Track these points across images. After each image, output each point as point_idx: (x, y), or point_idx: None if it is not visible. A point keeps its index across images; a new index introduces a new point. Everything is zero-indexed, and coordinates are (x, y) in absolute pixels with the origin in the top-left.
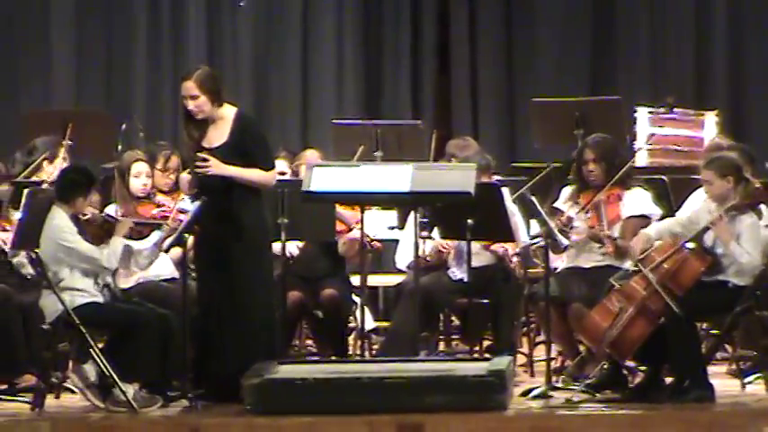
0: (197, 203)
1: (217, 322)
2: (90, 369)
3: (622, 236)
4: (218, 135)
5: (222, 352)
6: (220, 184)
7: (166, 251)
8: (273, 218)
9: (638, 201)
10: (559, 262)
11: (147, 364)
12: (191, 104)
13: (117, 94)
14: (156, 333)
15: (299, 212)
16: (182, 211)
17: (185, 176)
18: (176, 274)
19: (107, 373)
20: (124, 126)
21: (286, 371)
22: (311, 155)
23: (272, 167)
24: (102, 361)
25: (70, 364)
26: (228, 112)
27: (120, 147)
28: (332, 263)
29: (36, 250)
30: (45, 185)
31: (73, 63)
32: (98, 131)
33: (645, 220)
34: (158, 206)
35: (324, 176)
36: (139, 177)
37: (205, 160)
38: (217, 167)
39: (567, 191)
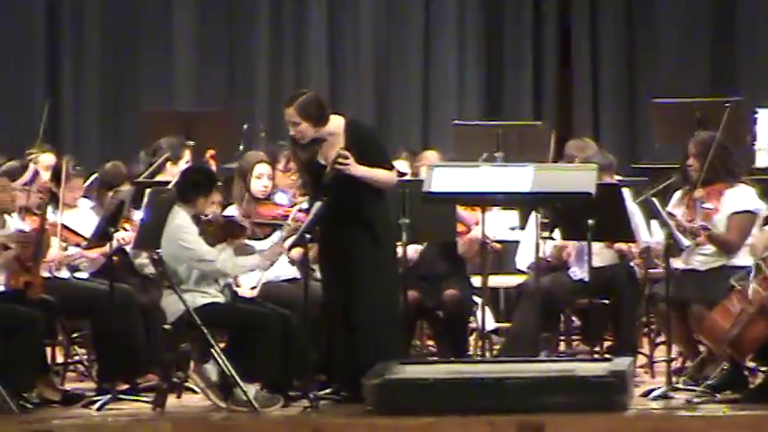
0: (318, 203)
1: (341, 323)
2: (211, 369)
3: (728, 231)
4: (332, 151)
5: (346, 352)
6: (347, 185)
7: (288, 250)
8: (395, 218)
9: (740, 197)
10: (679, 263)
11: (269, 363)
12: (292, 131)
13: (239, 95)
14: (277, 333)
15: (419, 213)
16: (302, 212)
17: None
18: (297, 275)
19: (228, 373)
20: (246, 126)
21: (407, 371)
22: (432, 155)
23: (392, 167)
24: (223, 361)
25: (192, 363)
26: (338, 124)
27: (241, 147)
28: (452, 263)
29: (157, 251)
30: (170, 186)
31: (194, 63)
32: (219, 132)
33: (751, 215)
34: (279, 206)
35: (445, 177)
36: (261, 179)
37: (347, 157)
38: (354, 167)
39: (677, 195)
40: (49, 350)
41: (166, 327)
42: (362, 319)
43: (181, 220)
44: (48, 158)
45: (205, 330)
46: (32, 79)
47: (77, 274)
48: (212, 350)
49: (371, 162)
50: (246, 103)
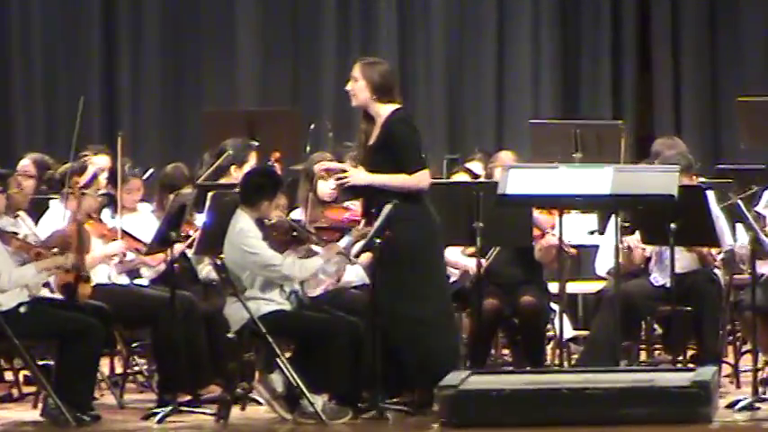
0: (388, 206)
1: (390, 332)
2: (277, 379)
3: None
4: (374, 134)
5: (402, 362)
6: (366, 191)
7: (356, 257)
8: (467, 222)
9: None
10: (766, 268)
11: (337, 374)
12: (349, 85)
13: (305, 95)
14: (345, 342)
15: (494, 216)
16: (372, 215)
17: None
18: (366, 281)
19: (295, 384)
20: (312, 126)
21: (481, 381)
22: (506, 156)
23: (418, 170)
24: (289, 371)
25: (256, 374)
26: (385, 110)
27: (308, 148)
28: (528, 269)
29: (220, 256)
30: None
31: (259, 62)
32: (285, 132)
33: None
34: (347, 210)
35: (520, 179)
36: (328, 181)
37: (343, 171)
38: (355, 178)
39: (765, 196)
40: (107, 361)
41: (230, 336)
42: (405, 329)
43: (244, 225)
44: (101, 160)
45: (270, 339)
46: (88, 77)
47: (137, 281)
48: (278, 360)
49: (393, 161)
50: (313, 103)
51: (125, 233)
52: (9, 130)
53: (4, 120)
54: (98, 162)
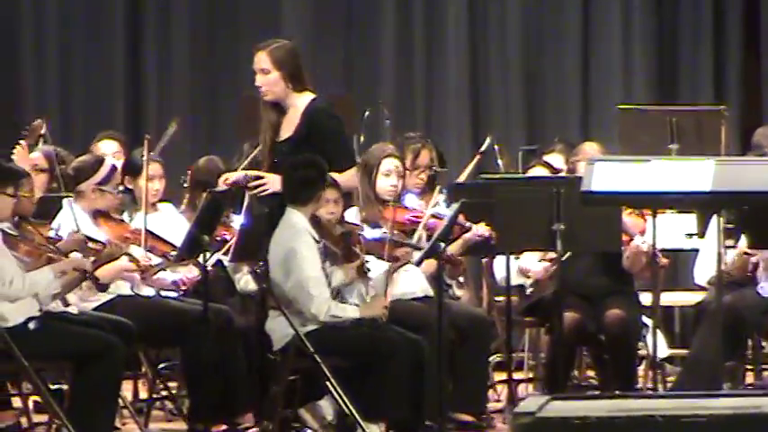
0: (455, 206)
1: None
2: (326, 406)
3: None
4: (287, 127)
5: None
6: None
7: (417, 264)
8: (546, 224)
9: None
10: None
11: (396, 399)
12: (259, 80)
13: (358, 81)
14: (405, 362)
15: (577, 217)
16: (436, 217)
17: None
18: (430, 292)
19: (347, 411)
20: (367, 113)
21: (562, 408)
22: (592, 148)
23: (349, 166)
24: (341, 396)
25: (302, 399)
26: (302, 100)
27: (362, 138)
28: (616, 278)
29: (261, 263)
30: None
31: (306, 41)
32: None
33: None
34: (408, 210)
35: (607, 173)
36: (389, 176)
37: (258, 178)
38: (273, 185)
39: None
40: (130, 384)
41: (272, 355)
42: None
43: (297, 222)
44: (109, 146)
45: (319, 359)
46: (110, 59)
47: (164, 293)
48: (328, 383)
49: (324, 154)
50: (368, 88)
51: (151, 234)
52: (19, 119)
53: (12, 106)
54: (105, 148)
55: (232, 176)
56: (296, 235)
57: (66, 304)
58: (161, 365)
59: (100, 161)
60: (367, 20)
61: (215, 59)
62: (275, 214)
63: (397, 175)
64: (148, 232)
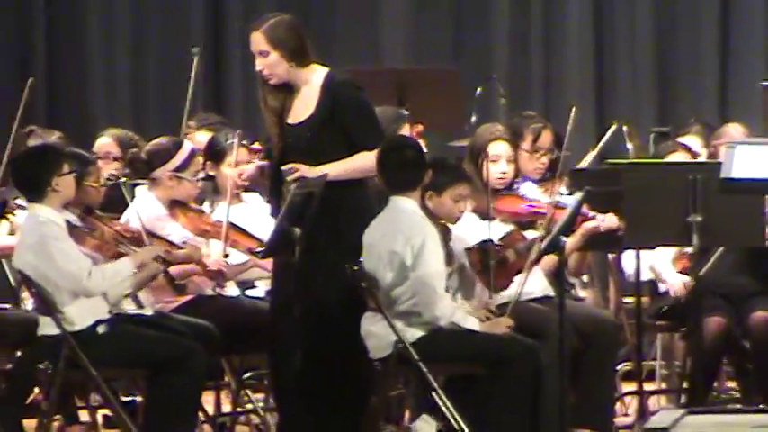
0: (577, 195)
1: None
2: (430, 421)
3: None
4: (302, 107)
5: None
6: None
7: (536, 261)
8: (681, 215)
9: None
10: None
11: (511, 412)
12: (258, 63)
13: (468, 51)
14: (522, 371)
15: (717, 208)
16: (557, 207)
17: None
18: (550, 292)
19: (456, 427)
20: (480, 91)
21: (699, 423)
22: (734, 130)
23: (380, 142)
24: (449, 409)
25: (406, 412)
26: (316, 75)
27: (473, 118)
28: (762, 277)
29: (358, 260)
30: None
31: (408, 11)
32: (443, 97)
33: None
34: (524, 200)
35: (751, 158)
36: (498, 162)
37: (292, 171)
38: (314, 173)
39: None
40: (212, 396)
41: (375, 364)
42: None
43: (413, 210)
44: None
45: (424, 368)
46: (188, 32)
47: (250, 293)
48: (435, 394)
49: (342, 138)
50: (479, 63)
51: (234, 228)
52: (87, 99)
53: (81, 88)
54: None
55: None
56: (414, 225)
57: (140, 305)
58: (246, 375)
59: (178, 144)
60: None
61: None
62: (317, 203)
63: (506, 160)
64: (231, 225)
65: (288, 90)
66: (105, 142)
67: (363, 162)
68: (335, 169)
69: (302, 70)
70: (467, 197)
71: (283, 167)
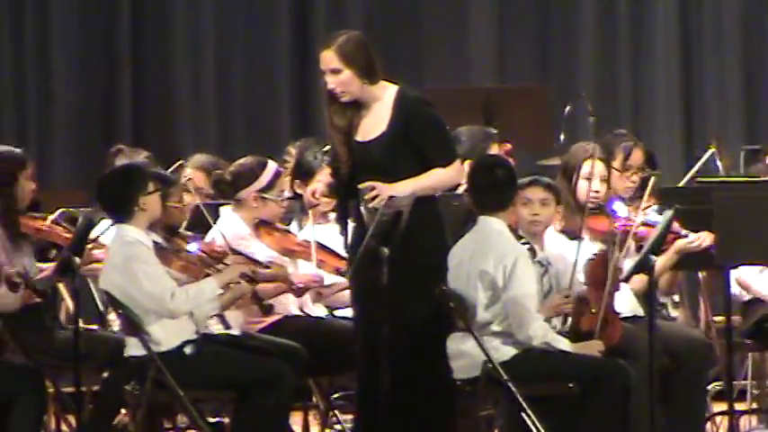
0: (667, 213)
1: None
2: None
3: None
4: (373, 124)
5: None
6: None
7: (625, 280)
8: None
9: None
10: None
11: None
12: (330, 81)
13: (556, 68)
14: (615, 390)
15: None
16: (646, 225)
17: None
18: (639, 311)
19: None
20: (568, 109)
21: None
22: None
23: (453, 159)
24: (539, 429)
25: None
26: (387, 92)
27: (562, 137)
28: None
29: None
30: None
31: (495, 29)
32: (531, 116)
33: None
34: (615, 219)
35: None
36: (592, 181)
37: (371, 189)
38: (391, 191)
39: None
40: (299, 417)
41: (459, 384)
42: None
43: (501, 230)
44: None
45: (513, 389)
46: (274, 49)
47: (338, 313)
48: (524, 415)
49: (415, 154)
50: (567, 80)
51: (321, 247)
52: (173, 117)
53: (167, 105)
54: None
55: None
56: (506, 245)
57: (227, 326)
58: (335, 396)
59: (262, 164)
60: (564, 6)
61: (393, 45)
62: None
63: (600, 179)
64: (318, 245)
65: (355, 108)
66: (189, 173)
67: (438, 179)
68: (413, 186)
69: (373, 87)
70: (537, 200)
71: (361, 185)
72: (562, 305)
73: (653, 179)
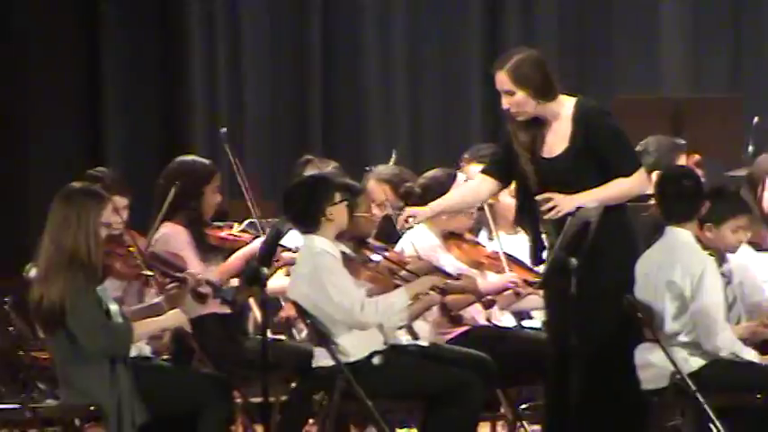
0: None
1: None
2: None
3: None
4: (557, 140)
5: None
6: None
7: None
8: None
9: None
10: None
11: None
12: (505, 102)
13: (746, 78)
14: None
15: None
16: None
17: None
18: None
19: None
20: (757, 120)
21: None
22: None
23: (637, 167)
24: None
25: None
26: (565, 108)
27: (750, 148)
28: None
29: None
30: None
31: (687, 39)
32: (722, 126)
33: None
34: None
35: None
36: None
37: (548, 200)
38: (569, 203)
39: None
40: (487, 427)
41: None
42: None
43: (688, 240)
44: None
45: (701, 399)
46: (467, 59)
47: (526, 323)
48: (712, 426)
49: (598, 165)
50: (756, 92)
51: (509, 258)
52: (363, 127)
53: (358, 116)
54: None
55: (419, 214)
56: (693, 255)
57: (415, 336)
58: (523, 406)
59: (452, 177)
60: (756, 15)
61: (586, 59)
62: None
63: None
64: (507, 256)
65: (537, 125)
66: (372, 187)
67: (622, 188)
68: (597, 196)
69: (550, 104)
70: (746, 228)
71: (538, 197)
72: (760, 332)
73: None
